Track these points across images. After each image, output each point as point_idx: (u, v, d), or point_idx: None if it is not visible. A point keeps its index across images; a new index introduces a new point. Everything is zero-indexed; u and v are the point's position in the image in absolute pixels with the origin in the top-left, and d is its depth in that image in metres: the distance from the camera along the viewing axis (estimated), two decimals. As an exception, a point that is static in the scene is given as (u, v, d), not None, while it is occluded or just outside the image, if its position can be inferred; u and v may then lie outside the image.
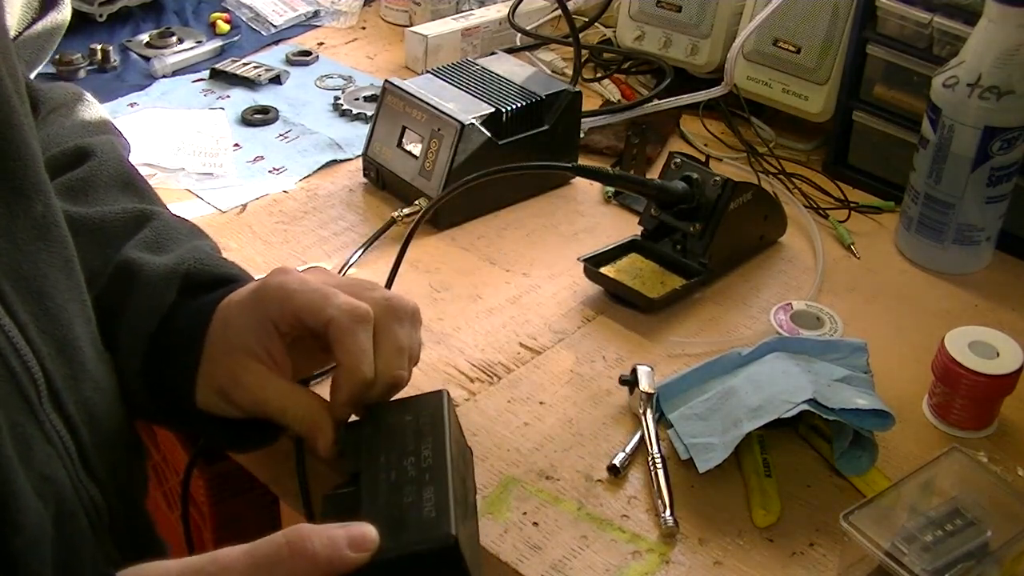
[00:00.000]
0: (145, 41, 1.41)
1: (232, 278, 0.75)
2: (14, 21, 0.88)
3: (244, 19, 1.50)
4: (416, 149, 1.09)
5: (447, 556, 0.59)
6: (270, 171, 1.17)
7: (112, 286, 0.72)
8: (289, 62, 1.40)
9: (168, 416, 0.74)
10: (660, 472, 0.79)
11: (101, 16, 1.44)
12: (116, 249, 0.74)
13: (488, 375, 0.90)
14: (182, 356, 0.71)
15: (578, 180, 1.16)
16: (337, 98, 1.30)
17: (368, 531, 0.56)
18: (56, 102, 0.85)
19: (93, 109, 0.88)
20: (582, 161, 1.17)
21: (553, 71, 1.38)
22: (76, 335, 0.64)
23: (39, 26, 0.76)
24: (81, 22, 1.43)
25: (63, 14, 0.79)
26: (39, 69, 1.05)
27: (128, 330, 0.71)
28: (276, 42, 1.46)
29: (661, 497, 0.77)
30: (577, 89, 1.15)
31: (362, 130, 1.20)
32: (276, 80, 1.34)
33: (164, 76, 1.35)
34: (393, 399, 0.70)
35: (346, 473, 0.66)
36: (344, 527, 0.56)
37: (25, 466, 0.57)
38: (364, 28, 1.51)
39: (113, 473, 0.66)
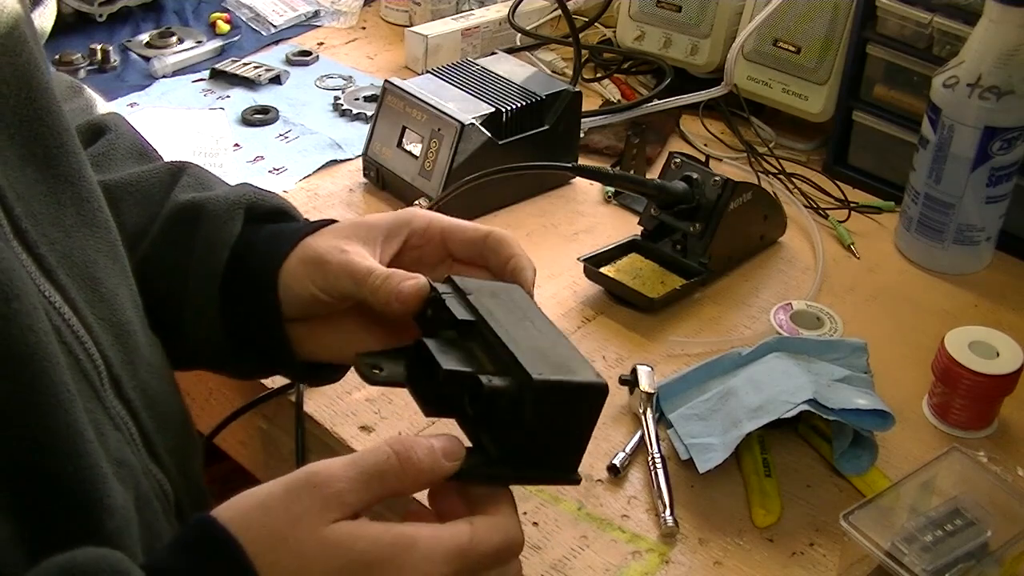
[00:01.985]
0: (145, 41, 1.41)
1: (289, 210, 0.76)
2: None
3: (244, 19, 1.50)
4: (416, 149, 1.09)
5: (598, 401, 0.60)
6: (270, 171, 1.17)
7: (173, 231, 0.72)
8: (289, 62, 1.40)
9: (241, 354, 0.72)
10: (660, 472, 0.79)
11: (101, 16, 1.44)
12: (159, 203, 0.74)
13: (488, 375, 0.90)
14: (257, 285, 0.70)
15: (578, 180, 1.16)
16: (337, 98, 1.30)
17: (456, 442, 0.57)
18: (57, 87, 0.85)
19: (90, 97, 0.88)
20: (582, 161, 1.17)
21: (553, 71, 1.38)
22: (129, 319, 0.64)
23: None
24: (81, 22, 1.43)
25: (46, 19, 0.80)
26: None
27: (199, 264, 0.71)
28: (276, 42, 1.46)
29: (661, 497, 0.77)
30: (577, 89, 1.15)
31: (362, 130, 1.20)
32: (276, 80, 1.34)
33: (164, 76, 1.35)
34: (470, 278, 0.66)
35: (456, 318, 0.61)
36: (437, 438, 0.56)
37: (103, 451, 0.57)
38: (364, 28, 1.51)
39: (174, 457, 0.66)
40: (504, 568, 0.57)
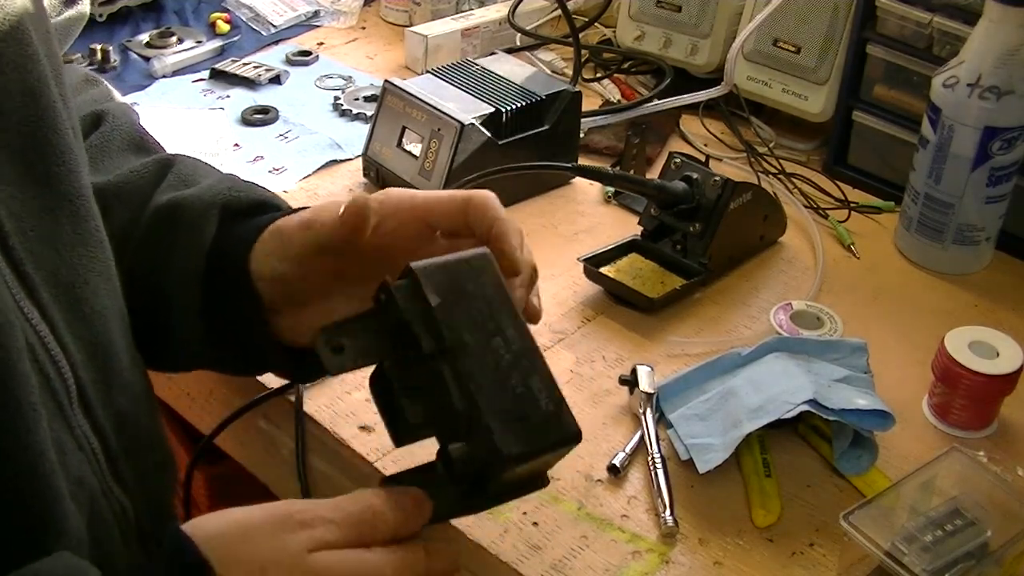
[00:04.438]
0: (145, 41, 1.41)
1: (269, 201, 0.75)
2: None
3: (244, 19, 1.50)
4: (416, 149, 1.09)
5: (569, 447, 0.59)
6: (270, 171, 1.17)
7: (153, 233, 0.72)
8: (289, 62, 1.40)
9: (228, 353, 0.73)
10: (660, 472, 0.79)
11: (101, 16, 1.44)
12: (144, 203, 0.74)
13: (488, 375, 0.90)
14: (232, 263, 0.70)
15: (578, 180, 1.16)
16: (337, 98, 1.30)
17: (423, 497, 0.58)
18: (69, 82, 0.85)
19: (104, 89, 0.87)
20: (582, 161, 1.17)
21: (553, 71, 1.38)
22: (112, 340, 0.64)
23: (59, 19, 0.76)
24: (81, 22, 1.43)
25: (82, 7, 0.80)
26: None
27: (178, 270, 0.71)
28: (276, 42, 1.46)
29: (661, 497, 0.77)
30: (577, 89, 1.15)
31: (362, 130, 1.20)
32: (276, 80, 1.34)
33: (164, 76, 1.35)
34: (433, 260, 0.61)
35: (424, 352, 0.58)
36: (405, 493, 0.58)
37: (62, 471, 0.57)
38: (364, 28, 1.51)
39: (141, 480, 0.66)
40: None
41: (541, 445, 0.57)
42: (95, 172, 0.74)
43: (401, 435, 0.60)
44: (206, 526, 0.54)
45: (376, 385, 0.61)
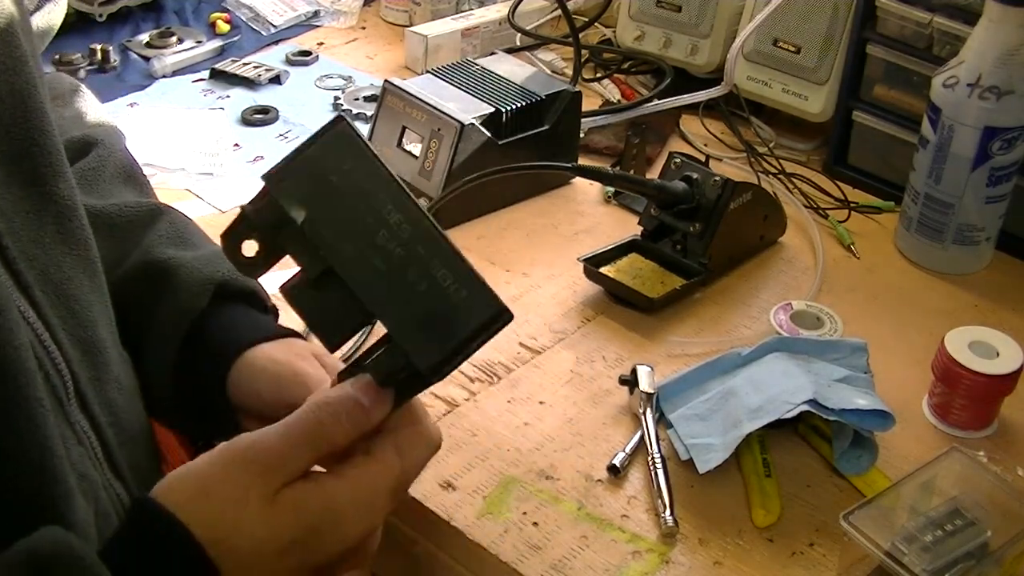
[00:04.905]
0: (145, 41, 1.41)
1: (255, 293, 0.77)
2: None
3: (244, 19, 1.50)
4: (416, 149, 1.09)
5: (500, 326, 0.53)
6: (270, 171, 1.17)
7: (144, 283, 0.74)
8: (289, 62, 1.40)
9: (191, 414, 0.74)
10: (660, 472, 0.79)
11: (101, 16, 1.44)
12: (134, 243, 0.75)
13: (488, 375, 0.90)
14: (212, 364, 0.72)
15: (578, 180, 1.16)
16: (337, 98, 1.30)
17: (375, 386, 0.56)
18: (56, 91, 0.86)
19: (90, 100, 0.88)
20: (582, 161, 1.17)
21: (553, 71, 1.38)
22: (101, 337, 0.65)
23: (32, 21, 0.77)
24: (81, 22, 1.43)
25: (55, 15, 0.80)
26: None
27: (160, 329, 0.72)
28: (276, 42, 1.46)
29: (661, 497, 0.77)
30: (577, 89, 1.15)
31: (362, 130, 1.19)
32: (276, 80, 1.34)
33: (164, 76, 1.35)
34: (284, 159, 0.53)
35: (308, 278, 0.54)
36: (357, 385, 0.56)
37: (69, 465, 0.57)
38: (364, 28, 1.51)
39: (136, 472, 0.66)
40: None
41: (459, 340, 0.52)
42: (88, 195, 0.76)
43: (333, 342, 0.56)
44: (168, 487, 0.55)
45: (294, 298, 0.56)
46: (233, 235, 0.55)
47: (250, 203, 0.54)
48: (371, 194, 0.52)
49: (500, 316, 0.53)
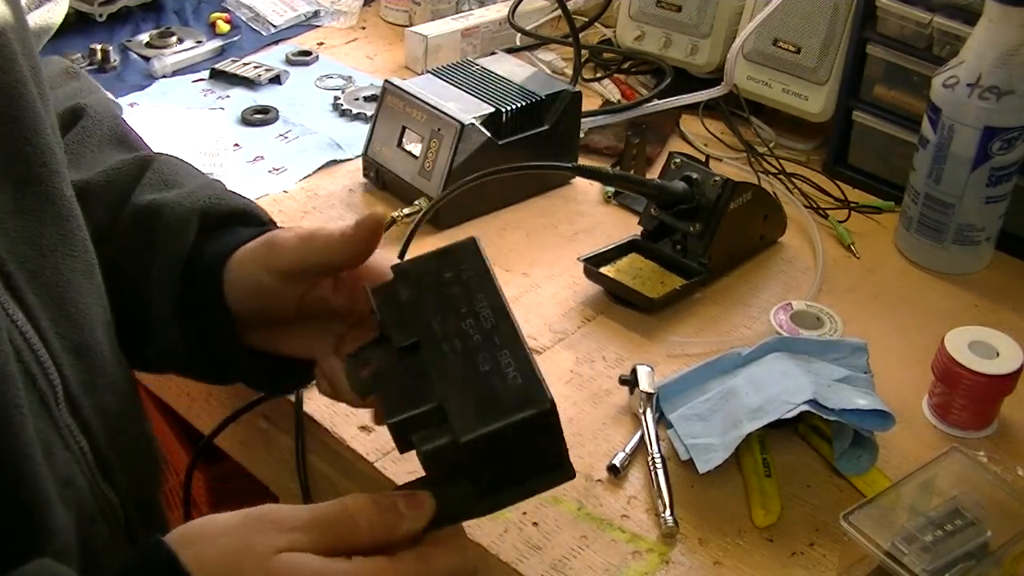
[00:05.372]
0: (145, 41, 1.41)
1: (250, 210, 0.75)
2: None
3: (244, 19, 1.50)
4: (416, 149, 1.09)
5: (544, 423, 0.55)
6: (270, 171, 1.17)
7: (134, 235, 0.72)
8: (289, 62, 1.40)
9: (200, 360, 0.73)
10: (660, 472, 0.79)
11: (101, 16, 1.44)
12: (123, 201, 0.73)
13: (488, 375, 0.90)
14: (205, 291, 0.70)
15: (578, 180, 1.16)
16: (337, 98, 1.30)
17: (421, 495, 0.56)
18: (47, 73, 0.85)
19: (86, 80, 0.87)
20: (582, 161, 1.17)
21: (553, 71, 1.38)
22: (96, 339, 0.64)
23: (31, 18, 0.76)
24: (81, 22, 1.43)
25: (55, 14, 0.80)
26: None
27: (157, 275, 0.71)
28: (276, 42, 1.46)
29: (661, 497, 0.77)
30: (577, 89, 1.15)
31: (362, 130, 1.20)
32: (276, 80, 1.34)
33: (164, 76, 1.35)
34: (418, 256, 0.62)
35: (394, 347, 0.58)
36: (403, 493, 0.56)
37: (49, 472, 0.57)
38: (364, 28, 1.51)
39: (128, 476, 0.66)
40: None
41: (497, 420, 0.54)
42: (75, 169, 0.74)
43: (391, 407, 0.58)
44: (185, 528, 0.54)
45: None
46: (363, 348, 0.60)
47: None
48: (472, 289, 0.59)
49: (538, 403, 0.55)
